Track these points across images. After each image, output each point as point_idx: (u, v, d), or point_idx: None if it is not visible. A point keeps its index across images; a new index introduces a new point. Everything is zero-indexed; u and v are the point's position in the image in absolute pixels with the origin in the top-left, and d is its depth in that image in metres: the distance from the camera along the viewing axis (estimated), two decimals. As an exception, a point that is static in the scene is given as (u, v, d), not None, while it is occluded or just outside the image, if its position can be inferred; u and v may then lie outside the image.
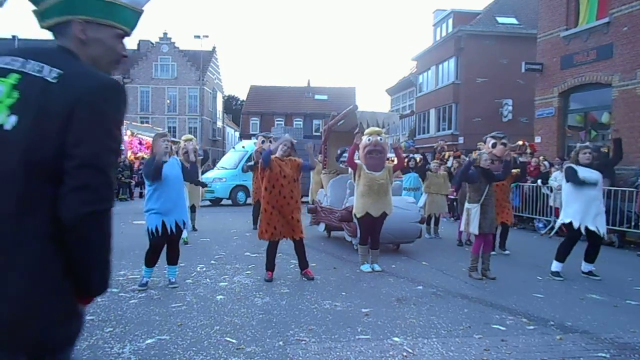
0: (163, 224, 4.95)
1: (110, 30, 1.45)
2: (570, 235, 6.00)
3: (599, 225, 5.79)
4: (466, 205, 6.04)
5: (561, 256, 5.97)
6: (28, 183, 1.22)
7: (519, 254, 7.55)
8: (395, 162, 6.63)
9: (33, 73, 1.31)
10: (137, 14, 1.53)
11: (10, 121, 1.24)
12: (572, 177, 5.90)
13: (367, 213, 6.11)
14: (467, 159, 6.32)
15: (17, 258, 1.22)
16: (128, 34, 1.51)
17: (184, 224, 5.19)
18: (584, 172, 5.85)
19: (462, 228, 6.42)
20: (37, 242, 1.24)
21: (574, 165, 5.99)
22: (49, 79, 1.29)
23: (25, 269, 1.23)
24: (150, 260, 5.15)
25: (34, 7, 1.45)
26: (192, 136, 8.69)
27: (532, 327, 4.07)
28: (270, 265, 5.68)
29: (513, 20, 25.86)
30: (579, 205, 5.81)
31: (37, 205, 1.23)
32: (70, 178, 1.23)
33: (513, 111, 23.84)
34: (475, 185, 5.92)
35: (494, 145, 7.13)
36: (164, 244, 5.15)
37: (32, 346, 1.26)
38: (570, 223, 5.86)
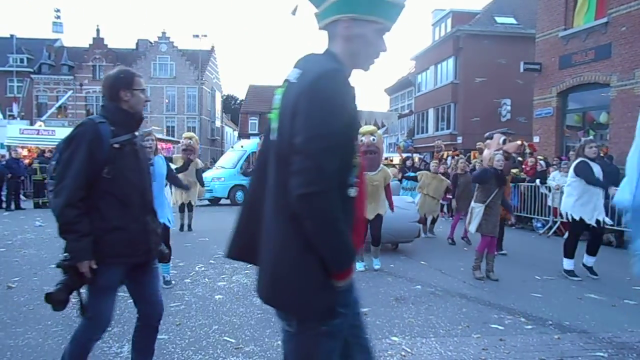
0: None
1: (372, 25, 1.52)
2: (575, 231, 6.03)
3: (603, 217, 5.88)
4: (472, 204, 6.05)
5: (570, 253, 5.98)
6: (279, 173, 1.46)
7: (517, 254, 7.55)
8: (394, 160, 6.61)
9: (289, 79, 1.52)
10: (399, 8, 1.56)
11: (273, 127, 1.53)
12: (588, 173, 5.81)
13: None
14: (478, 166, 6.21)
15: (272, 233, 1.49)
16: (388, 29, 1.57)
17: (169, 221, 5.06)
18: (594, 168, 5.88)
19: (466, 226, 6.43)
20: (283, 221, 1.45)
21: (587, 161, 5.90)
22: (292, 80, 1.49)
23: (274, 243, 1.47)
24: None
25: (315, 10, 1.57)
26: (193, 134, 8.65)
27: (530, 327, 4.07)
28: None
29: (512, 20, 25.87)
30: (587, 201, 5.83)
31: (284, 191, 1.41)
32: (292, 164, 1.38)
33: (511, 111, 23.86)
34: (485, 185, 5.90)
35: (504, 142, 7.07)
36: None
37: (285, 310, 1.52)
38: (580, 219, 5.86)
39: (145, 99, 2.57)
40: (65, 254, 2.29)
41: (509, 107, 24.02)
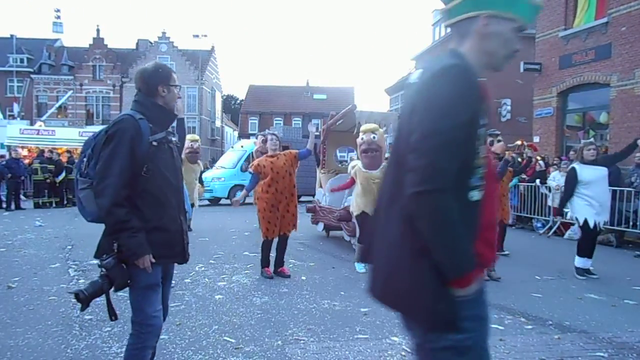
0: None
1: (509, 23, 1.48)
2: (585, 234, 6.00)
3: (600, 219, 5.90)
4: None
5: (588, 252, 5.98)
6: (396, 172, 1.44)
7: (517, 254, 7.55)
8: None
9: (410, 81, 1.51)
10: (535, 7, 1.55)
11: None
12: (567, 185, 6.04)
13: (363, 212, 6.10)
14: None
15: (387, 233, 1.46)
16: (524, 28, 1.53)
17: None
18: (587, 172, 5.88)
19: None
20: (397, 221, 1.42)
21: (576, 166, 6.00)
22: (412, 81, 1.48)
23: (388, 244, 1.45)
24: None
25: (443, 6, 1.54)
26: (197, 136, 8.63)
27: (530, 327, 4.07)
28: (266, 262, 5.74)
29: (512, 20, 25.85)
30: (591, 202, 5.84)
31: (400, 190, 1.38)
32: (407, 163, 1.36)
33: (511, 111, 23.84)
34: None
35: (491, 143, 7.09)
36: None
37: (398, 311, 1.48)
38: (585, 221, 5.87)
39: (178, 95, 2.55)
40: (106, 256, 2.26)
41: (508, 107, 24.01)
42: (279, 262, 5.84)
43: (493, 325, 4.06)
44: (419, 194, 1.30)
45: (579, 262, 5.99)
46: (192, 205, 9.10)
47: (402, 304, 1.43)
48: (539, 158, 11.32)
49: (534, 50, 15.44)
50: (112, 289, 2.29)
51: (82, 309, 2.28)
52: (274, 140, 5.77)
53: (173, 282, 5.32)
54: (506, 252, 7.44)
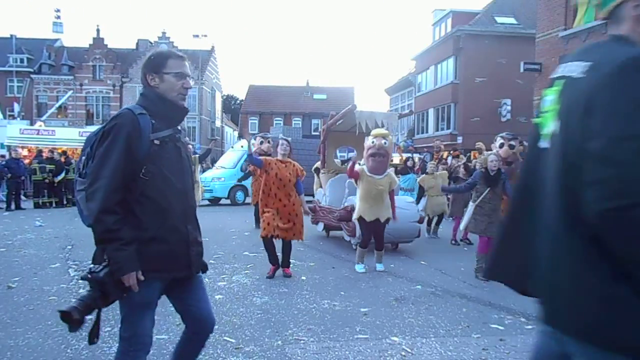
0: None
1: None
2: None
3: None
4: (470, 202, 6.14)
5: None
6: (565, 185, 1.24)
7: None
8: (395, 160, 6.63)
9: (569, 75, 1.32)
10: None
11: (553, 129, 1.32)
12: None
13: (361, 217, 6.11)
14: (474, 177, 6.21)
15: (562, 257, 1.27)
16: None
17: None
18: None
19: (461, 226, 6.48)
20: (577, 242, 1.22)
21: None
22: (574, 75, 1.29)
23: (569, 269, 1.25)
24: None
25: (594, 2, 1.44)
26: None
27: (530, 327, 4.07)
28: (273, 260, 5.75)
29: (512, 20, 25.89)
30: None
31: (575, 206, 1.19)
32: (585, 174, 1.16)
33: (512, 111, 23.87)
34: (477, 187, 5.99)
35: (501, 146, 7.07)
36: None
37: (598, 345, 1.20)
38: None
39: (184, 85, 2.16)
40: (93, 266, 1.99)
41: (509, 107, 24.04)
42: (285, 263, 5.84)
43: (493, 325, 4.07)
44: (611, 211, 1.09)
45: None
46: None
47: (599, 335, 1.21)
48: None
49: (534, 50, 15.45)
50: (102, 305, 2.02)
51: (73, 330, 1.94)
52: (284, 145, 5.77)
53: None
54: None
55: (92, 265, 2.00)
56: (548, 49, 14.53)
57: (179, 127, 2.22)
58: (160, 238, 2.06)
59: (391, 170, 6.44)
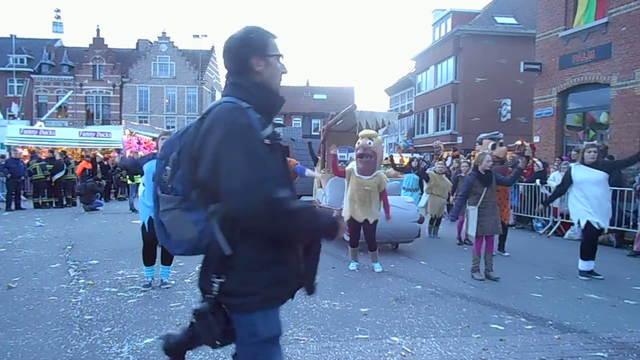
0: (150, 219, 4.95)
1: None
2: (586, 234, 6.01)
3: (603, 222, 5.87)
4: (467, 207, 6.04)
5: (591, 254, 5.95)
6: None
7: (517, 254, 7.55)
8: (391, 161, 6.57)
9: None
10: None
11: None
12: (563, 180, 6.13)
13: (352, 217, 6.11)
14: (466, 176, 6.20)
15: None
16: None
17: None
18: (581, 172, 5.90)
19: (463, 229, 6.44)
20: None
21: (574, 165, 6.09)
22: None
23: None
24: (146, 257, 5.14)
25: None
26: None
27: (530, 327, 4.07)
28: None
29: (512, 20, 25.88)
30: (586, 205, 5.85)
31: None
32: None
33: (512, 111, 23.87)
34: (473, 189, 5.90)
35: (493, 147, 7.08)
36: (155, 241, 5.12)
37: None
38: (587, 223, 5.86)
39: (282, 70, 1.80)
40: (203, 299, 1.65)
41: (509, 107, 24.03)
42: None
43: (493, 325, 4.06)
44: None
45: (583, 265, 5.97)
46: None
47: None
48: (535, 159, 11.33)
49: (534, 50, 15.45)
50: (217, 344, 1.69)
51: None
52: None
53: (173, 281, 5.37)
54: (507, 254, 7.42)
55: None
56: (548, 49, 14.52)
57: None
58: (282, 258, 1.65)
59: (381, 171, 6.43)
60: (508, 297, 5.02)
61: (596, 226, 5.81)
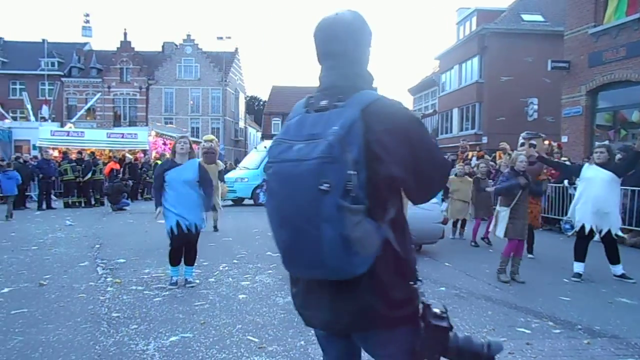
0: (178, 224, 5.04)
1: None
2: (578, 236, 6.02)
3: (600, 225, 5.76)
4: (497, 207, 5.94)
5: (581, 256, 5.91)
6: None
7: (544, 256, 7.39)
8: None
9: None
10: None
11: None
12: (571, 167, 6.38)
13: None
14: (508, 176, 6.06)
15: None
16: None
17: (196, 227, 5.14)
18: (590, 171, 5.87)
19: (490, 229, 6.33)
20: None
21: (587, 164, 6.09)
22: None
23: None
24: (172, 258, 5.25)
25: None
26: (214, 136, 8.72)
27: (558, 331, 3.98)
28: None
29: (539, 18, 25.36)
30: (586, 206, 5.81)
31: None
32: None
33: (539, 110, 23.36)
34: None
35: (522, 145, 6.99)
36: (183, 244, 5.22)
37: None
38: (582, 226, 5.87)
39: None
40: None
41: (535, 106, 23.53)
42: None
43: (519, 329, 3.98)
44: None
45: (576, 267, 5.92)
46: (214, 206, 9.18)
47: None
48: (564, 158, 11.06)
49: (562, 48, 15.11)
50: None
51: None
52: None
53: (197, 280, 5.45)
54: (531, 256, 7.27)
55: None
56: (577, 47, 14.17)
57: None
58: (413, 260, 1.54)
59: None
60: (535, 300, 4.91)
61: (592, 230, 5.78)
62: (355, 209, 1.32)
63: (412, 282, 1.47)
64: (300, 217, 1.34)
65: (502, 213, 5.75)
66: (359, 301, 1.40)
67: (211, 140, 8.53)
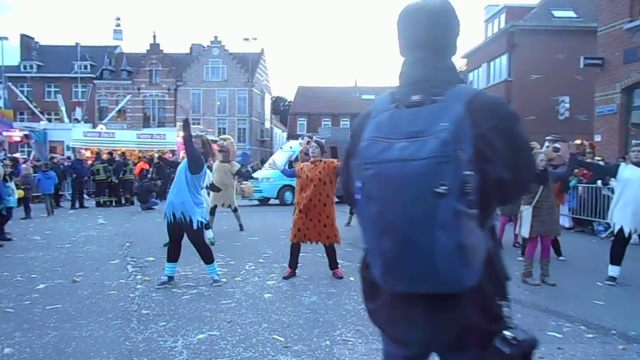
0: (173, 215, 5.22)
1: None
2: (615, 239, 5.83)
3: (637, 226, 5.60)
4: (521, 207, 5.84)
5: (615, 260, 5.72)
6: None
7: (577, 259, 7.18)
8: None
9: None
10: None
11: None
12: (607, 167, 6.16)
13: None
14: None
15: None
16: None
17: (191, 221, 5.17)
18: (627, 171, 5.69)
19: (516, 231, 6.21)
20: None
21: (624, 164, 5.89)
22: None
23: None
24: (168, 254, 5.38)
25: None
26: (229, 136, 8.80)
27: (591, 336, 3.86)
28: (292, 264, 5.78)
29: (571, 14, 24.68)
30: (625, 209, 5.64)
31: None
32: None
33: (570, 109, 22.75)
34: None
35: (546, 147, 6.96)
36: (178, 237, 5.32)
37: None
38: (621, 229, 5.69)
39: None
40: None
41: (567, 105, 22.91)
42: (333, 265, 5.85)
43: (550, 333, 3.89)
44: None
45: (610, 270, 5.73)
46: (230, 206, 9.26)
47: None
48: (598, 157, 10.73)
49: (595, 45, 14.67)
50: None
51: None
52: (314, 147, 5.78)
53: (224, 279, 5.52)
54: (562, 258, 7.09)
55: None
56: (611, 43, 13.73)
57: None
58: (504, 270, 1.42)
59: None
60: (566, 303, 4.78)
61: (626, 233, 5.60)
62: (472, 214, 1.19)
63: (503, 298, 1.34)
64: (409, 224, 1.18)
65: (525, 212, 5.65)
66: (462, 316, 1.28)
67: (225, 139, 8.62)
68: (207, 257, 5.40)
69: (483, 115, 1.28)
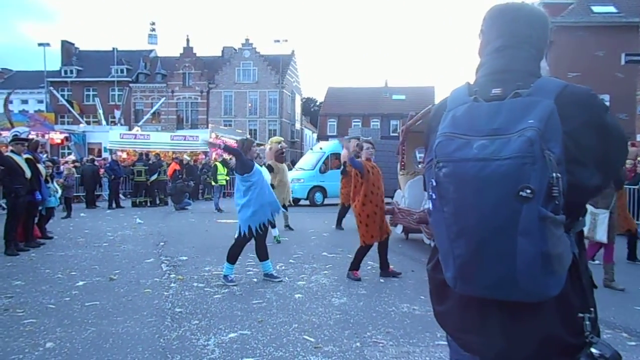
0: (250, 228, 5.36)
1: None
2: None
3: None
4: (592, 210, 5.54)
5: None
6: None
7: (618, 262, 6.89)
8: None
9: None
10: None
11: None
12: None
13: None
14: None
15: None
16: None
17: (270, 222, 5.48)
18: None
19: (586, 234, 6.02)
20: None
21: None
22: None
23: None
24: (234, 257, 5.48)
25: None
26: (282, 138, 9.07)
27: (633, 343, 3.70)
28: (357, 266, 5.79)
29: (611, 9, 23.79)
30: None
31: None
32: None
33: (611, 107, 21.86)
34: (605, 190, 5.48)
35: None
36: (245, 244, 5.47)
37: None
38: None
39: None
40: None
41: (607, 103, 22.08)
42: (385, 264, 5.90)
43: (589, 340, 3.74)
44: None
45: None
46: (284, 205, 9.39)
47: None
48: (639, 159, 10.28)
49: (637, 41, 14.11)
50: None
51: None
52: (369, 148, 5.84)
53: (255, 279, 5.58)
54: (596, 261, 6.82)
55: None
56: (654, 38, 13.18)
57: None
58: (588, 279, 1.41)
59: None
60: (607, 309, 4.60)
61: None
62: (559, 220, 1.10)
63: (588, 309, 1.26)
64: (487, 228, 1.11)
65: (601, 216, 5.40)
66: (543, 328, 1.18)
67: (279, 142, 8.87)
68: (266, 252, 5.62)
69: (573, 109, 1.17)
